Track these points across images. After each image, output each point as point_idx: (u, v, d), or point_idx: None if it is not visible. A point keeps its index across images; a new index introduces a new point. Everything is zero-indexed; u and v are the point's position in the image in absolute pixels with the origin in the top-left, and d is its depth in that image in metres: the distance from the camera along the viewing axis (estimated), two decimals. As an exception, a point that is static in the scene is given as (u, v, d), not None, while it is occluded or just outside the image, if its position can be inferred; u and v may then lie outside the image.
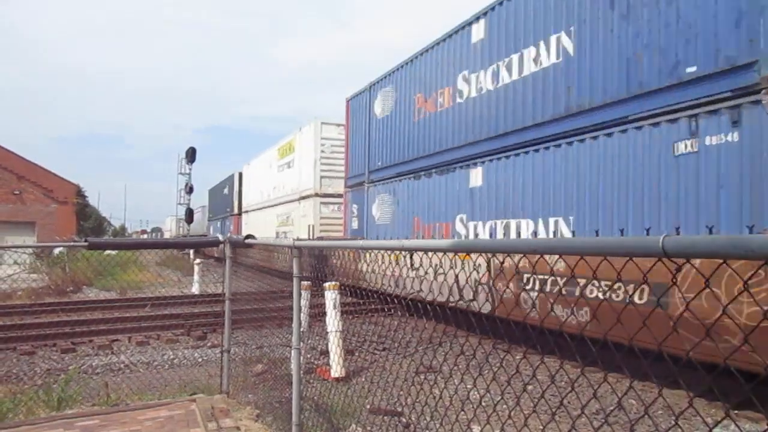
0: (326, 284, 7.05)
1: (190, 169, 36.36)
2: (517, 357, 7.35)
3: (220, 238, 5.75)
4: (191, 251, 30.46)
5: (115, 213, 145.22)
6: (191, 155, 35.53)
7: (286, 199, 20.40)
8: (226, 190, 34.25)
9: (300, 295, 3.98)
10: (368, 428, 4.83)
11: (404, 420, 5.09)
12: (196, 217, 40.29)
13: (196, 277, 18.01)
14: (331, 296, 7.01)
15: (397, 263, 7.57)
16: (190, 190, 36.34)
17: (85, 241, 5.41)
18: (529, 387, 5.34)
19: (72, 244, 6.33)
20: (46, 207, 33.80)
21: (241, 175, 30.75)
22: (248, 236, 5.06)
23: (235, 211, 30.72)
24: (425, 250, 2.49)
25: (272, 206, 22.43)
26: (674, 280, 1.39)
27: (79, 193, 38.63)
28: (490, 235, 9.30)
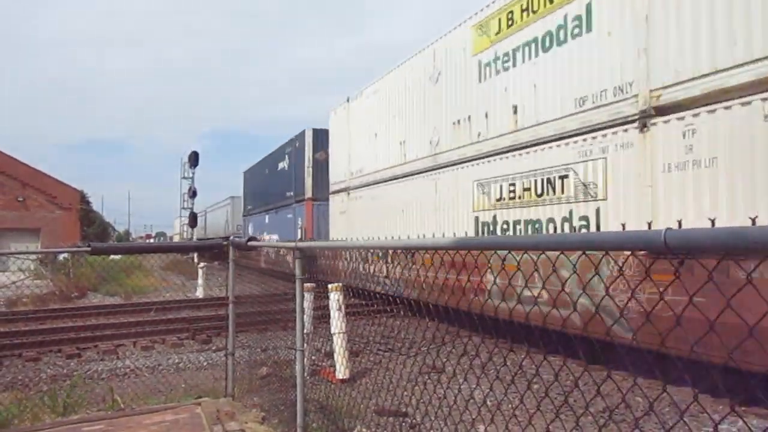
0: (330, 285, 7.04)
1: (193, 173, 36.62)
2: (521, 356, 7.32)
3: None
4: (194, 255, 30.43)
5: (120, 218, 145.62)
6: (194, 159, 35.78)
7: (541, 134, 7.95)
8: (283, 164, 21.38)
9: (303, 296, 3.98)
10: (374, 429, 4.82)
11: (409, 420, 5.07)
12: (216, 214, 39.46)
13: (200, 281, 18.06)
14: (335, 298, 7.00)
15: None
16: (193, 194, 36.56)
17: (89, 246, 5.43)
18: (534, 386, 5.32)
19: (75, 249, 6.35)
20: (50, 213, 33.97)
21: (319, 134, 18.04)
22: (251, 238, 5.07)
23: (308, 194, 18.41)
24: (425, 249, 2.46)
25: (452, 167, 10.14)
26: (677, 275, 1.38)
27: (83, 198, 38.82)
28: None
